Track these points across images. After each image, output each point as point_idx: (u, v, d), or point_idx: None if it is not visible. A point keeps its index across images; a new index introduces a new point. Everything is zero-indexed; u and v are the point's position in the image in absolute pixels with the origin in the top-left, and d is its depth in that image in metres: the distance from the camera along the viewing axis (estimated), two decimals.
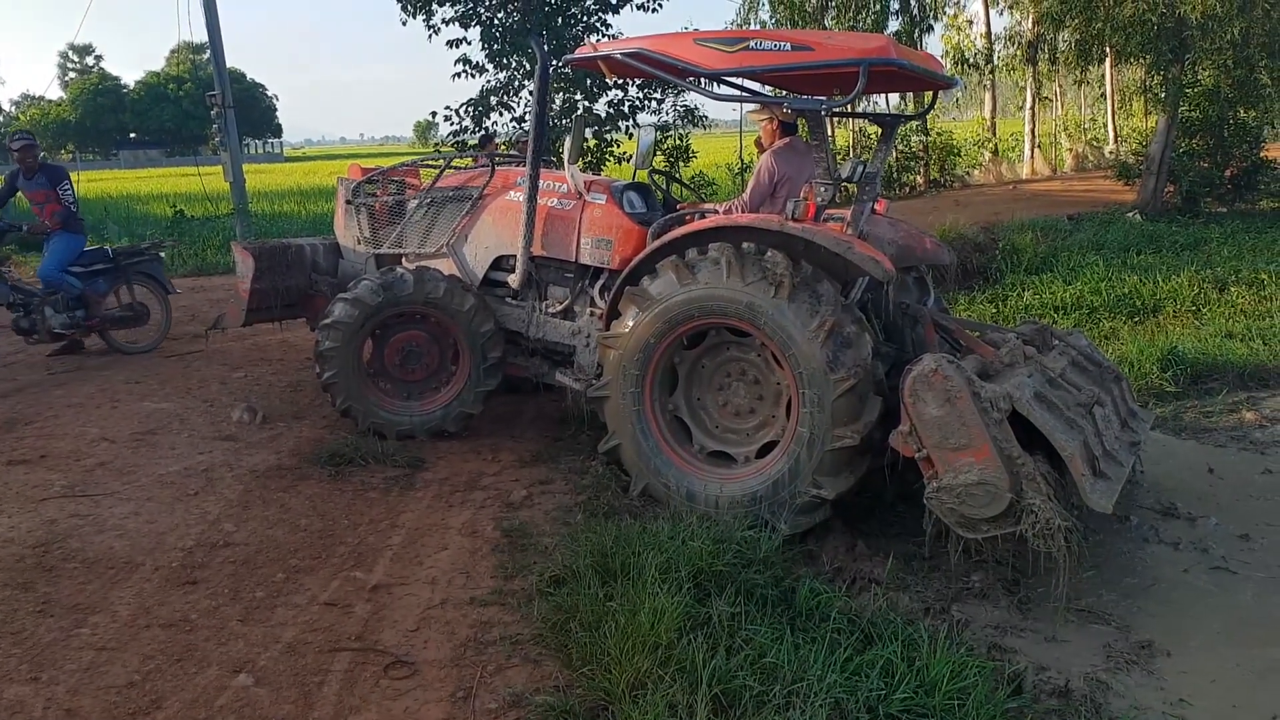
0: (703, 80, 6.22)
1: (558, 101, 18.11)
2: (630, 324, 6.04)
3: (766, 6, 24.91)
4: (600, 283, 7.00)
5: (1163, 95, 19.70)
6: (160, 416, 7.54)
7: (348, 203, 8.07)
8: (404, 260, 7.71)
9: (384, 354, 7.20)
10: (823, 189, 5.94)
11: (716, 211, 6.80)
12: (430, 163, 8.60)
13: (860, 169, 6.36)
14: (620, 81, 18.76)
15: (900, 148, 25.66)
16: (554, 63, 7.46)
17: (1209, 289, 12.70)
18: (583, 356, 6.95)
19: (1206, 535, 6.14)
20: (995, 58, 29.30)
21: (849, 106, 5.91)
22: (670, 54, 5.96)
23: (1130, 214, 18.75)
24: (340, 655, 4.22)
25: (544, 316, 7.22)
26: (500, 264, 7.39)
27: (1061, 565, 4.94)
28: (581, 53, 6.66)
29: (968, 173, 28.55)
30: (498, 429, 7.56)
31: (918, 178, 25.97)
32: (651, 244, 6.30)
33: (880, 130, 6.94)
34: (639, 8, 18.34)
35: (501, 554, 5.28)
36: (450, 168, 8.00)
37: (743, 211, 6.52)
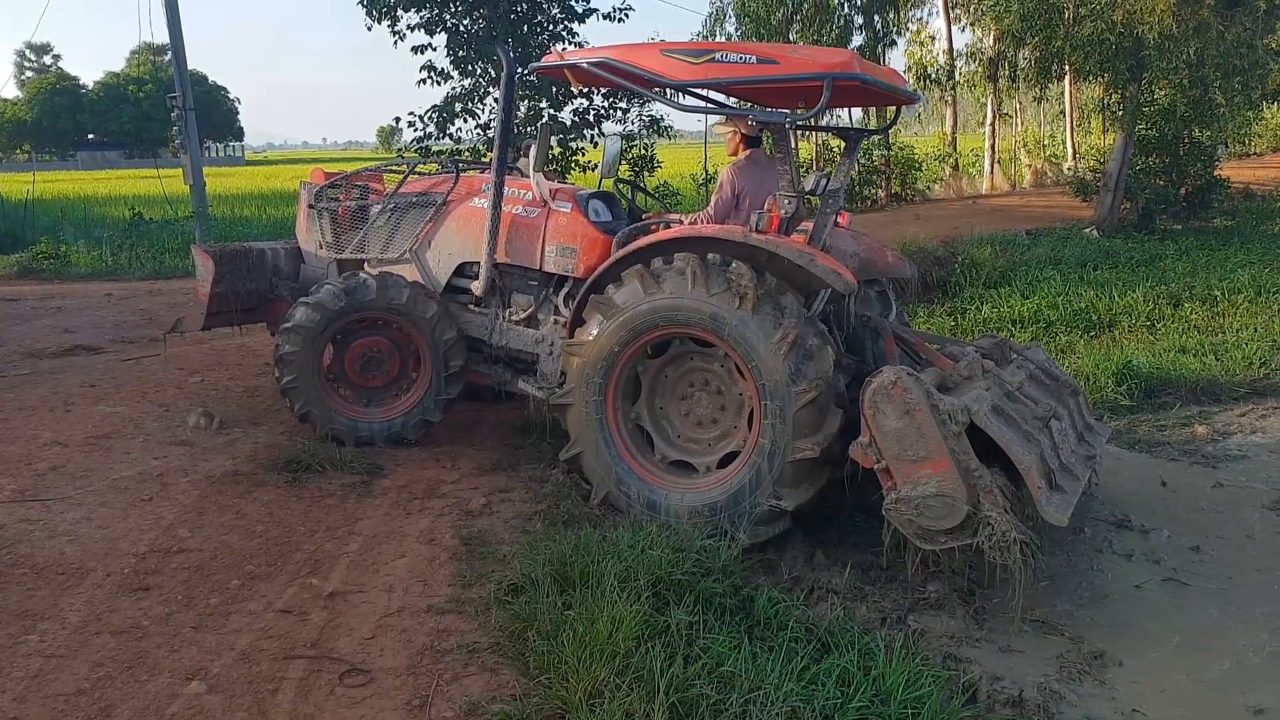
0: (669, 91, 6.24)
1: (523, 109, 18.09)
2: (594, 332, 6.04)
3: (732, 19, 25.04)
4: (565, 291, 6.99)
5: (1120, 113, 20.00)
6: (115, 421, 7.44)
7: (310, 207, 8.00)
8: (366, 265, 7.67)
9: (344, 360, 7.15)
10: (786, 201, 6.00)
11: (681, 222, 6.82)
12: (394, 168, 8.55)
13: (823, 182, 6.42)
14: (586, 90, 18.80)
15: (862, 161, 25.85)
16: (520, 71, 7.44)
17: (1164, 305, 12.90)
18: (546, 364, 6.93)
19: (1159, 547, 6.23)
20: (957, 74, 29.65)
21: (813, 120, 5.96)
22: (636, 64, 5.99)
23: (1087, 230, 19.02)
24: (295, 663, 4.19)
25: (507, 324, 7.19)
26: (464, 271, 7.37)
27: (1017, 577, 4.99)
28: (547, 61, 6.67)
29: (928, 187, 28.84)
30: (457, 436, 7.53)
31: (879, 191, 26.20)
32: (616, 253, 6.31)
33: (844, 144, 7.00)
34: (606, 17, 18.37)
35: (459, 562, 5.26)
36: (415, 173, 7.96)
37: (708, 223, 6.54)
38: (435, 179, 7.85)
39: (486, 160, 8.21)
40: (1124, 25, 17.58)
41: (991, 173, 31.32)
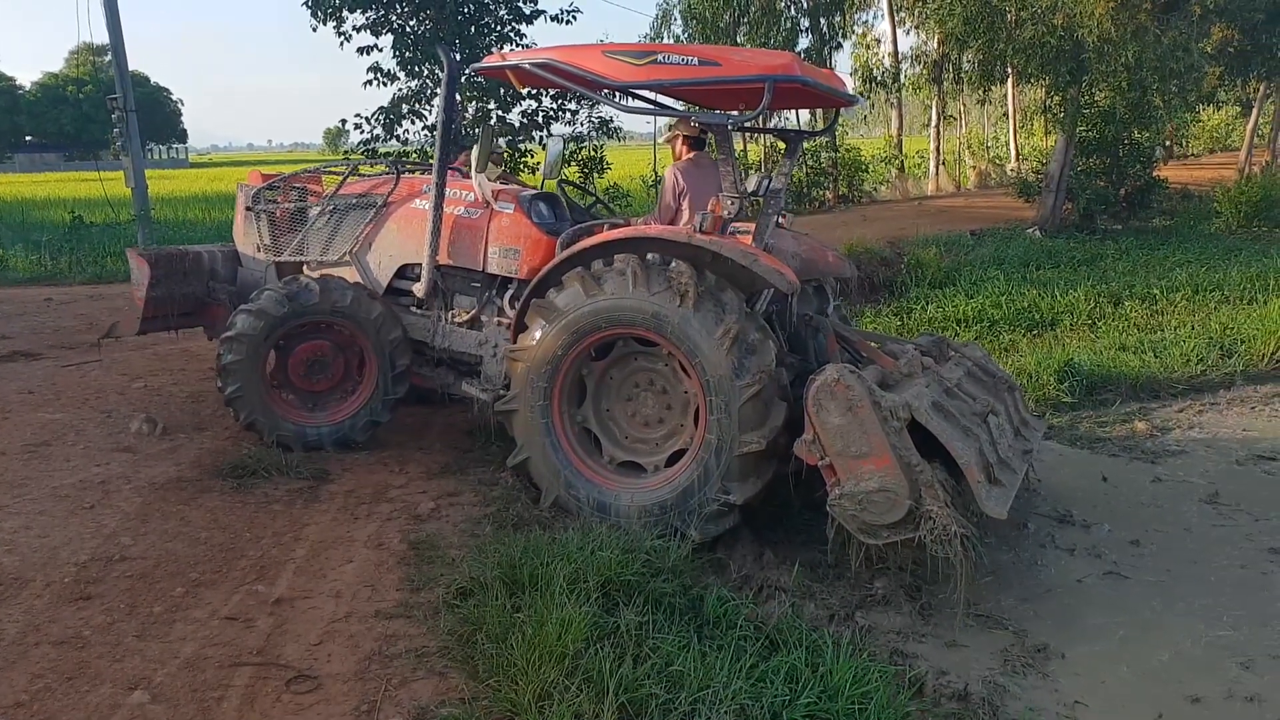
0: (613, 92, 6.26)
1: (471, 110, 18.01)
2: (537, 336, 6.05)
3: (679, 21, 25.13)
4: (509, 293, 6.99)
5: (1061, 115, 20.32)
6: (55, 427, 7.30)
7: (248, 209, 7.88)
8: (305, 268, 7.57)
9: (288, 365, 7.07)
10: (729, 202, 6.05)
11: (627, 224, 6.84)
12: (334, 169, 8.45)
13: (766, 183, 6.48)
14: (533, 92, 18.74)
15: (809, 164, 26.04)
16: (465, 71, 7.41)
17: (1104, 303, 13.15)
18: (489, 367, 6.91)
19: (1100, 542, 6.35)
20: (902, 76, 29.95)
21: (756, 121, 6.01)
22: (579, 65, 6.00)
23: (1030, 230, 19.31)
24: (241, 670, 4.14)
25: (450, 326, 7.16)
26: (405, 272, 7.32)
27: (959, 570, 5.08)
28: (489, 61, 6.66)
29: (875, 189, 29.11)
30: (405, 440, 7.48)
31: (826, 193, 26.39)
32: (560, 254, 6.32)
33: (785, 146, 7.06)
34: (554, 19, 18.34)
35: (408, 566, 5.23)
36: (355, 175, 7.88)
37: (628, 227, 6.57)
38: (375, 180, 7.78)
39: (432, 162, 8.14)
40: (1064, 29, 17.87)
41: (936, 174, 31.69)
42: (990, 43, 19.87)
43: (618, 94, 6.24)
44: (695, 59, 5.79)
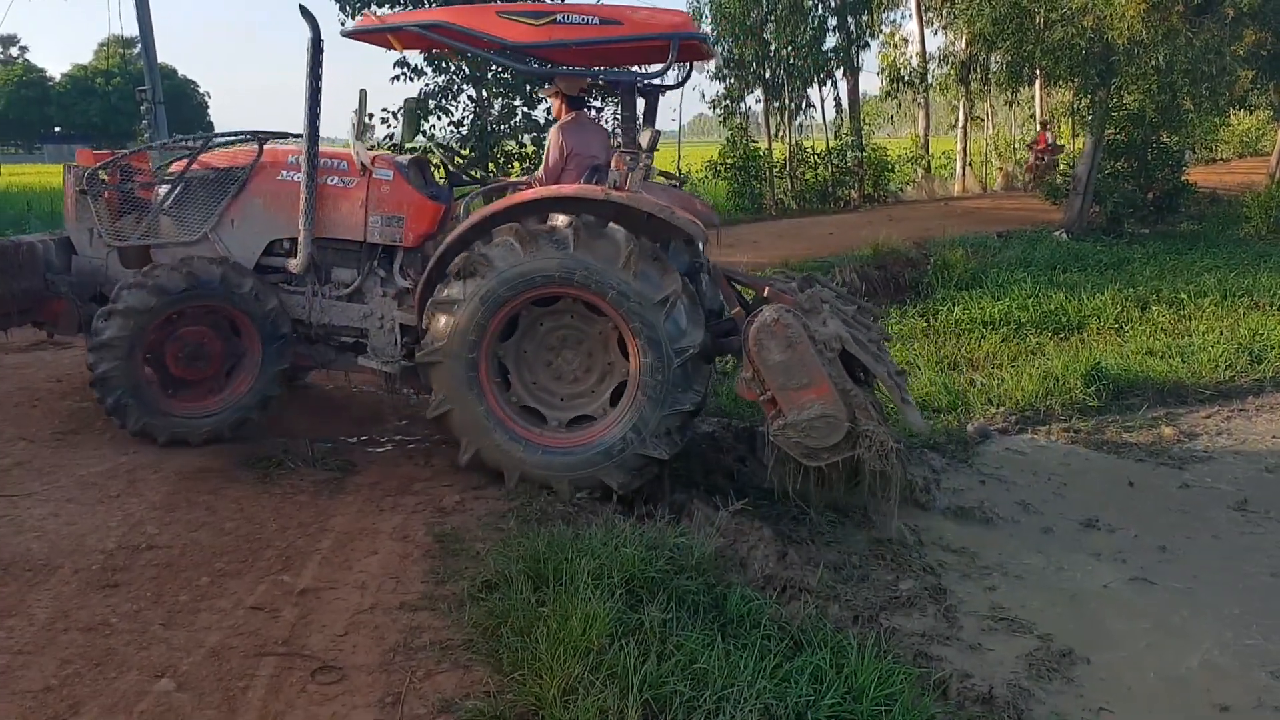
0: (512, 55, 6.30)
1: (497, 106, 18.02)
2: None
3: (708, 19, 24.99)
4: (397, 262, 6.87)
5: (1089, 118, 20.15)
6: (83, 416, 7.34)
7: (81, 193, 7.07)
8: (154, 252, 7.02)
9: (165, 359, 6.70)
10: (629, 159, 6.17)
11: (520, 187, 6.89)
12: (181, 145, 7.90)
13: (657, 138, 6.62)
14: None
15: (834, 163, 25.93)
16: (345, 34, 6.87)
17: (1131, 307, 13.05)
18: (377, 339, 6.82)
19: (1126, 547, 6.32)
20: (929, 76, 29.78)
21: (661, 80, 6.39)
22: (473, 27, 5.98)
23: (1057, 233, 19.16)
24: (266, 660, 4.15)
25: (328, 301, 6.95)
26: (273, 249, 7.00)
27: (894, 482, 5.74)
28: (363, 24, 6.45)
29: (901, 189, 28.92)
30: (431, 433, 7.49)
31: (851, 192, 26.25)
32: (472, 216, 6.33)
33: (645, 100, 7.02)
34: None
35: (433, 559, 5.23)
36: (209, 149, 7.37)
37: (542, 186, 6.61)
38: (233, 152, 7.28)
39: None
40: (1094, 31, 17.72)
41: (963, 175, 31.48)
42: (1019, 44, 19.71)
43: (516, 55, 6.29)
44: (596, 18, 5.89)
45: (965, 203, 26.04)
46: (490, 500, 6.15)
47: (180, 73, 42.94)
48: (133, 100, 21.37)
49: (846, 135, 26.74)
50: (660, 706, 3.85)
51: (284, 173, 6.91)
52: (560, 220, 6.03)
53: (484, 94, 18.83)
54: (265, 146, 7.05)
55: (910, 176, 30.10)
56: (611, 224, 5.97)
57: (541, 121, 18.61)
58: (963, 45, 28.48)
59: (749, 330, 5.77)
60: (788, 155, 25.96)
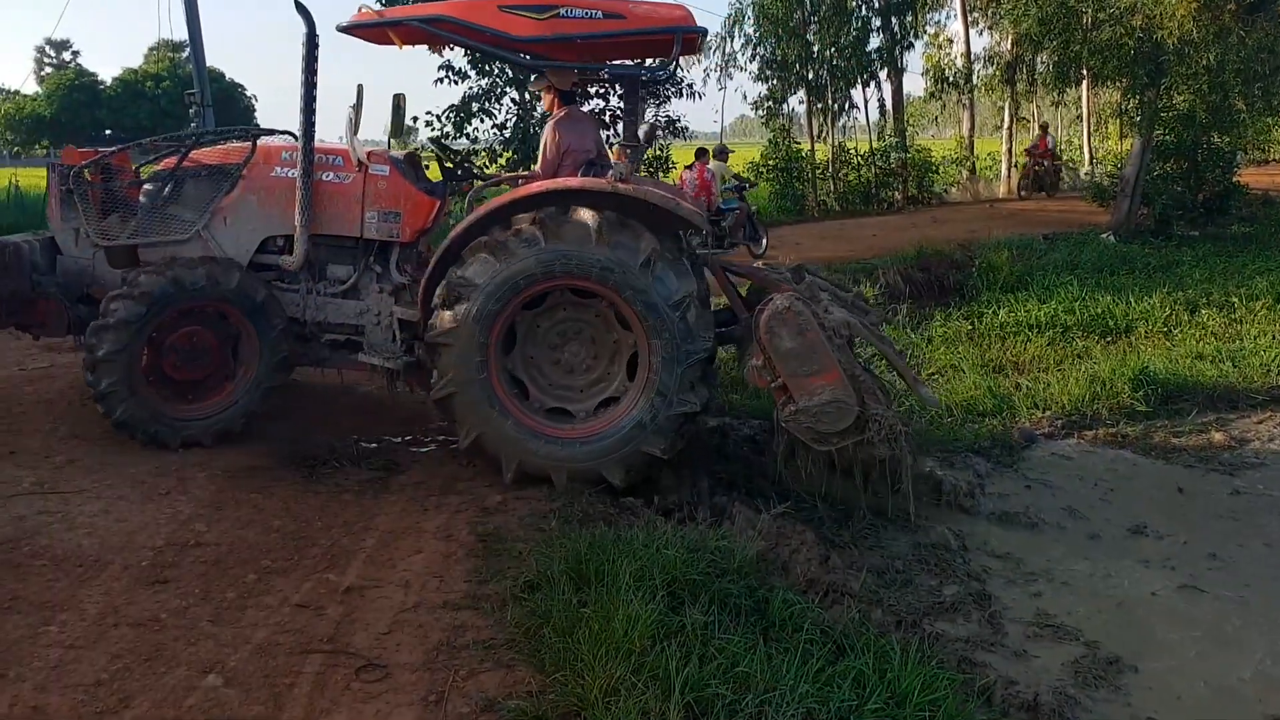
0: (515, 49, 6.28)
1: (539, 108, 18.08)
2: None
3: (751, 20, 24.95)
4: (393, 258, 6.85)
5: (1138, 118, 19.88)
6: None
7: (67, 192, 6.98)
8: (141, 252, 6.92)
9: (164, 362, 6.63)
10: (629, 151, 6.28)
11: (518, 183, 6.93)
12: (155, 144, 7.81)
13: (654, 131, 6.64)
14: (600, 90, 18.75)
15: (877, 164, 25.79)
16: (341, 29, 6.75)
17: (1180, 311, 12.84)
18: (374, 335, 6.80)
19: (1175, 554, 6.22)
20: (974, 77, 29.51)
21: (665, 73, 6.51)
22: (476, 21, 5.96)
23: (1104, 235, 18.91)
24: (311, 657, 4.19)
25: (322, 298, 6.90)
26: (267, 246, 6.94)
27: (904, 465, 5.88)
28: (362, 19, 6.38)
29: (945, 190, 28.68)
30: None
31: (895, 194, 26.09)
32: (479, 209, 6.34)
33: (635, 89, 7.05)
34: None
35: (476, 558, 5.25)
36: (198, 147, 7.24)
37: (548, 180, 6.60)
38: (225, 149, 7.20)
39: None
40: (1143, 30, 17.48)
41: (1008, 177, 31.16)
42: (1065, 44, 19.48)
43: (519, 50, 6.26)
44: (599, 12, 5.90)
45: (1010, 205, 25.76)
46: (532, 500, 6.17)
47: (228, 76, 43.40)
48: (182, 103, 21.68)
49: (890, 136, 26.58)
50: (702, 709, 3.84)
51: (278, 169, 6.86)
52: (523, 220, 6.06)
53: (527, 96, 18.94)
54: (258, 143, 7.00)
55: (955, 178, 29.85)
56: (576, 208, 6.00)
57: None
58: (1008, 45, 28.15)
59: (760, 318, 5.86)
60: (831, 156, 25.86)
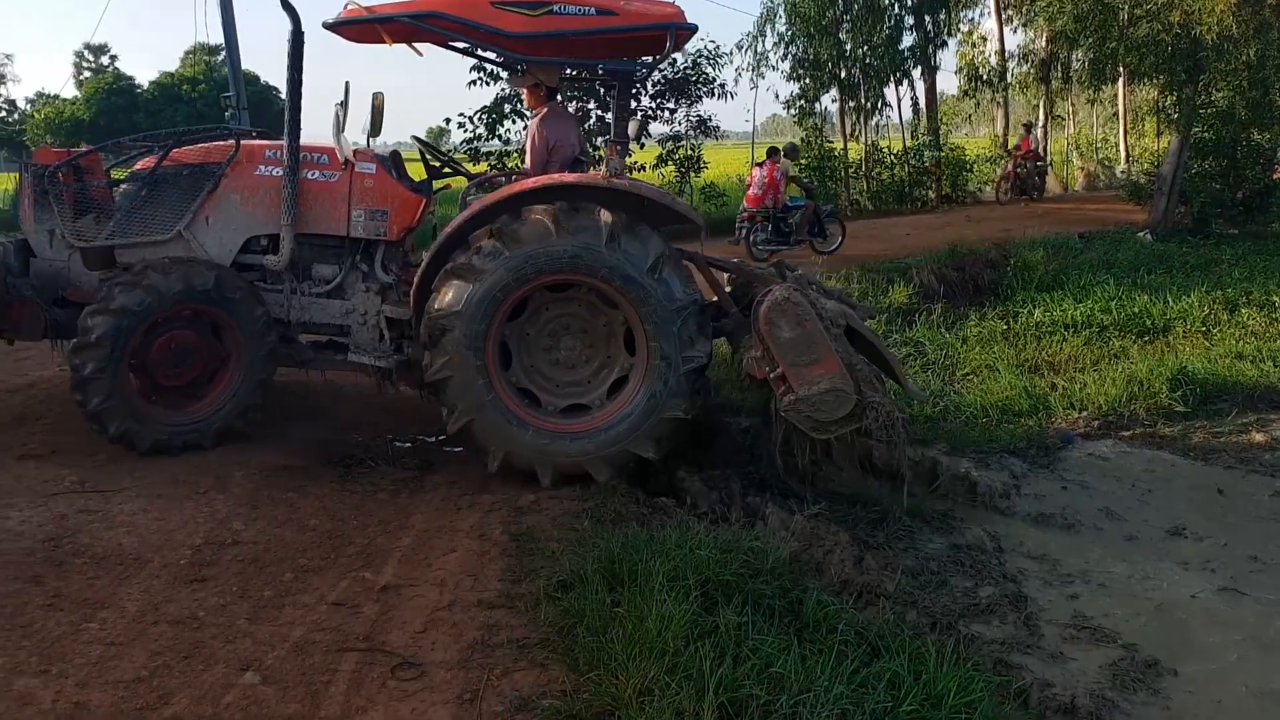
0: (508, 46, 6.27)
1: (572, 109, 18.11)
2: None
3: (783, 19, 24.88)
4: (378, 257, 6.80)
5: (1176, 116, 19.65)
6: None
7: (42, 193, 6.83)
8: (119, 253, 6.79)
9: (148, 361, 6.51)
10: (620, 148, 6.34)
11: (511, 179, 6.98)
12: (140, 143, 7.63)
13: (641, 127, 6.66)
14: (633, 92, 18.74)
15: (911, 163, 25.66)
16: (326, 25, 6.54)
17: (1219, 310, 12.68)
18: (360, 335, 6.76)
19: (1215, 556, 6.15)
20: (1009, 75, 29.30)
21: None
22: (470, 17, 5.92)
23: (1141, 234, 18.71)
24: (348, 655, 4.22)
25: (308, 298, 6.84)
26: (250, 246, 6.84)
27: (901, 451, 6.13)
28: (349, 15, 6.25)
29: (979, 189, 28.51)
30: None
31: (929, 193, 25.95)
32: (473, 206, 6.35)
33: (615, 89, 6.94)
34: None
35: (509, 558, 5.27)
36: (180, 145, 7.03)
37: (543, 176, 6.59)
38: (207, 148, 7.01)
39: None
40: (1181, 26, 17.28)
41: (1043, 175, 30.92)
42: (1102, 41, 19.31)
43: (512, 45, 6.23)
44: (592, 9, 5.90)
45: (1045, 203, 25.54)
46: (565, 500, 6.19)
47: (263, 79, 43.79)
48: (218, 106, 21.91)
49: (923, 135, 26.42)
50: (736, 710, 3.83)
51: (262, 167, 6.77)
52: (479, 237, 6.10)
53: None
54: (241, 141, 6.91)
55: (989, 176, 29.64)
56: (531, 209, 6.05)
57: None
58: (1043, 43, 27.97)
59: (760, 309, 5.93)
60: (863, 155, 25.75)
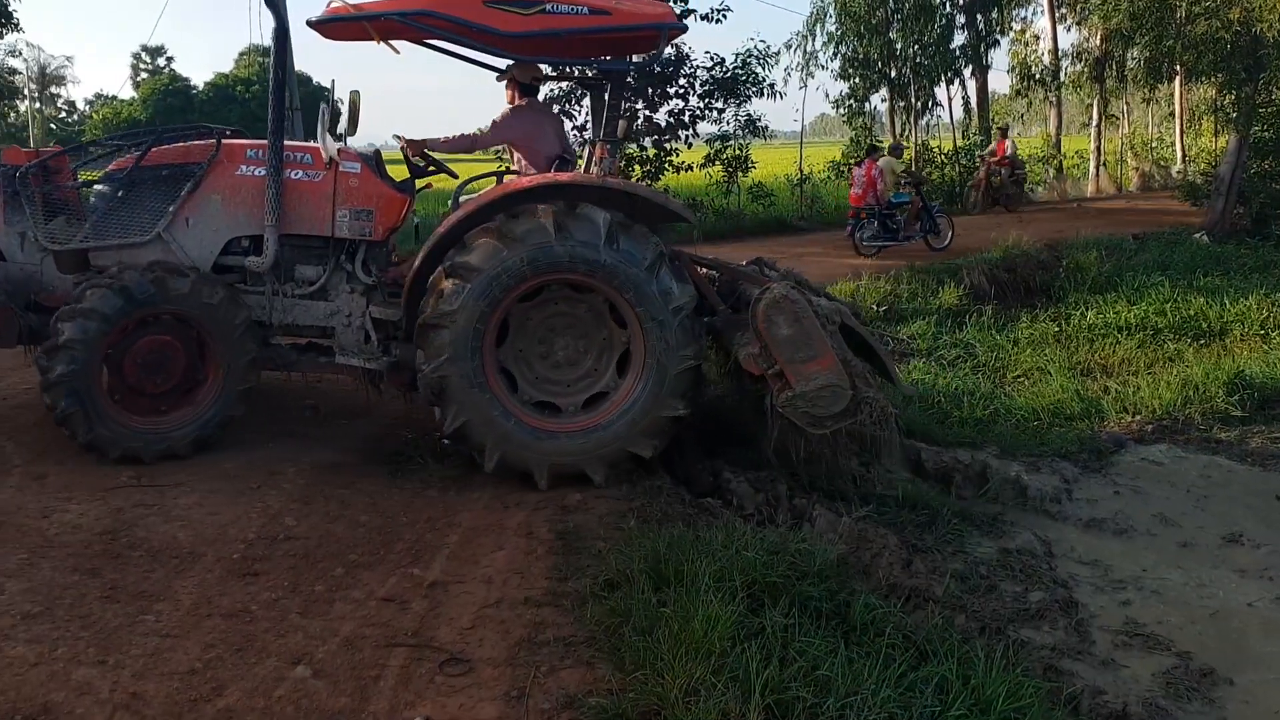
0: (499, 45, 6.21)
1: (630, 117, 18.16)
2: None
3: (833, 18, 24.79)
4: (360, 257, 6.70)
5: (1235, 115, 19.32)
6: None
7: (13, 194, 6.65)
8: (93, 256, 6.63)
9: (123, 367, 6.31)
10: (610, 146, 6.37)
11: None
12: (101, 145, 7.54)
13: (630, 127, 6.66)
14: (680, 91, 18.74)
15: (962, 162, 25.43)
16: (309, 23, 6.42)
17: (1278, 313, 12.42)
18: (345, 337, 6.69)
19: (1273, 564, 6.04)
20: (1062, 74, 28.95)
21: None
22: (462, 15, 5.87)
23: (1198, 235, 18.40)
24: (397, 651, 4.26)
25: (290, 300, 6.71)
26: (231, 248, 6.69)
27: (894, 446, 6.45)
28: (334, 12, 6.12)
29: (1031, 190, 28.19)
30: None
31: (980, 193, 25.68)
32: (466, 205, 6.31)
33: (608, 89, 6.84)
34: (704, 18, 18.18)
35: (556, 556, 5.29)
36: (157, 145, 6.87)
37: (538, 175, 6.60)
38: (186, 148, 6.87)
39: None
40: (1241, 23, 16.98)
41: (1097, 175, 30.50)
42: (1158, 39, 19.03)
43: (502, 45, 6.19)
44: (585, 8, 5.87)
45: (1099, 204, 25.23)
46: (611, 500, 6.20)
47: (315, 80, 44.36)
48: None
49: (975, 135, 26.16)
50: (782, 712, 3.82)
51: (243, 167, 6.62)
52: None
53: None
54: (222, 141, 6.76)
55: (1041, 177, 29.29)
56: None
57: (662, 124, 18.69)
58: (1097, 41, 27.59)
59: (758, 307, 5.97)
60: (914, 155, 25.55)
